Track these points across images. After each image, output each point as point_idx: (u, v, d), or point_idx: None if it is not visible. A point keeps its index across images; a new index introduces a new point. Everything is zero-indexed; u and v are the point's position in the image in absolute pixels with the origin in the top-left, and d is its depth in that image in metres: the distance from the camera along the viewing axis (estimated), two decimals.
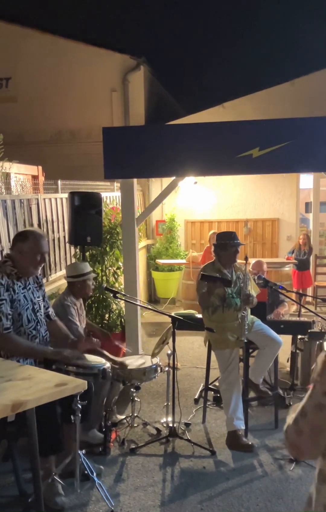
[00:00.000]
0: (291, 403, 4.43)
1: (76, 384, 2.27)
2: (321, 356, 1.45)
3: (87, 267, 4.18)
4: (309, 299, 8.25)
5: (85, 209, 5.04)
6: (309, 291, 8.58)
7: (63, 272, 4.89)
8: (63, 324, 3.49)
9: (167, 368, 4.08)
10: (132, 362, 4.06)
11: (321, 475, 1.45)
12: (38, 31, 9.34)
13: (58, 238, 5.97)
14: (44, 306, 3.25)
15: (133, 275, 5.37)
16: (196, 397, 4.71)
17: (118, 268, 5.80)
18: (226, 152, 4.68)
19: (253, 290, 4.22)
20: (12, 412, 2.06)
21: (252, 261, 5.47)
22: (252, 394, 4.19)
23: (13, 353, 2.96)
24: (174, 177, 5.42)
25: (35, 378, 2.31)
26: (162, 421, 4.19)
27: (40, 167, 6.68)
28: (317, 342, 4.35)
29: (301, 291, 7.73)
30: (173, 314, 4.02)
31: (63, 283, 4.53)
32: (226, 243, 4.14)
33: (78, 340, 3.39)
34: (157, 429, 4.07)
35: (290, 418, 1.49)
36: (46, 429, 2.70)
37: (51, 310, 3.37)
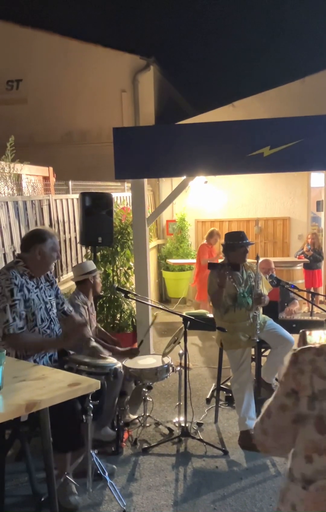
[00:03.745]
0: None
1: (90, 384, 2.28)
2: (288, 356, 1.47)
3: (92, 265, 4.21)
4: (321, 298, 8.20)
5: (96, 209, 5.06)
6: (321, 290, 8.52)
7: None
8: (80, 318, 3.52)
9: (178, 368, 4.07)
10: (144, 361, 4.07)
11: (290, 474, 1.46)
12: (48, 33, 9.39)
13: (70, 239, 6.00)
14: (59, 303, 3.27)
15: (144, 275, 5.38)
16: (208, 397, 4.70)
17: (129, 268, 5.81)
18: (237, 151, 4.66)
19: (265, 288, 4.21)
20: (26, 412, 2.07)
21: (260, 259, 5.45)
22: (264, 394, 4.18)
23: (28, 349, 3.00)
24: (184, 177, 5.42)
25: (49, 378, 2.32)
26: (174, 420, 4.19)
27: (51, 168, 6.71)
28: (301, 331, 4.03)
29: (312, 290, 7.68)
30: (184, 313, 4.02)
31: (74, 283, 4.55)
32: (235, 243, 4.13)
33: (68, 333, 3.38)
34: (169, 428, 4.07)
35: (260, 414, 1.52)
36: (65, 425, 2.72)
37: (66, 306, 3.38)
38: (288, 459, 1.48)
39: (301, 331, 3.73)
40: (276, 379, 4.30)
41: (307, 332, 3.47)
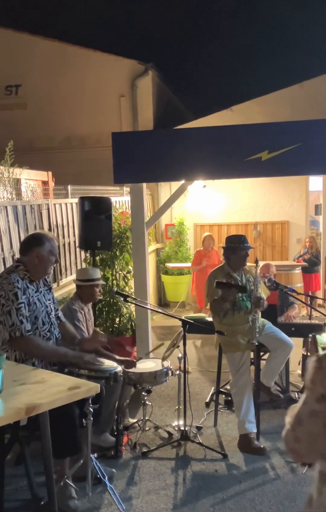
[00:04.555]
0: None
1: (89, 387, 2.29)
2: (311, 360, 1.45)
3: (96, 273, 4.21)
4: (319, 301, 8.20)
5: (95, 214, 5.08)
6: (320, 294, 8.53)
7: (74, 276, 4.93)
8: (71, 326, 3.53)
9: (177, 372, 4.08)
10: (143, 365, 4.07)
11: (322, 476, 1.46)
12: (47, 39, 9.43)
13: (69, 243, 6.01)
14: (54, 308, 3.28)
15: (143, 279, 5.39)
16: (207, 400, 4.71)
17: (129, 272, 5.82)
18: (235, 155, 4.69)
19: (263, 293, 4.22)
20: (26, 416, 2.08)
21: (261, 264, 5.46)
22: (263, 397, 4.18)
23: (35, 355, 3.01)
24: (183, 181, 5.44)
25: (49, 382, 2.32)
26: (173, 424, 4.19)
27: (50, 173, 6.73)
28: (310, 335, 4.13)
29: (310, 294, 7.69)
30: (183, 317, 4.03)
31: (74, 287, 4.56)
32: (236, 246, 4.14)
33: (83, 339, 3.41)
34: (169, 432, 4.07)
35: (288, 421, 1.49)
36: (63, 431, 2.72)
37: (60, 312, 3.40)
38: (317, 463, 1.48)
39: (310, 335, 3.81)
40: (276, 383, 4.31)
41: (317, 336, 3.49)
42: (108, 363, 3.47)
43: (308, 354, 4.78)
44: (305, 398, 1.44)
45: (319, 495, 1.46)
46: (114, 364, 3.50)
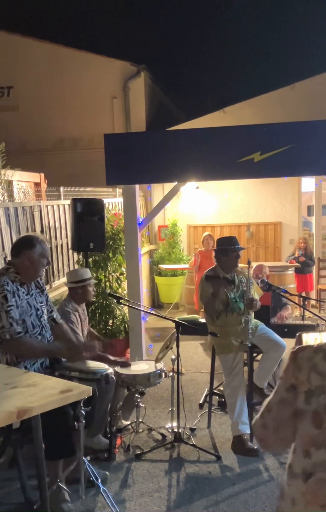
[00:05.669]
0: None
1: (81, 390, 2.27)
2: (288, 353, 1.53)
3: (87, 273, 4.20)
4: (313, 302, 8.22)
5: (87, 215, 5.07)
6: (313, 294, 8.55)
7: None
8: (68, 328, 3.51)
9: (171, 373, 4.08)
10: (137, 367, 4.06)
11: (290, 470, 1.50)
12: (39, 40, 9.43)
13: (61, 245, 5.99)
14: (48, 310, 3.26)
15: (137, 280, 5.38)
16: (201, 402, 4.70)
17: (122, 273, 5.81)
18: (227, 156, 4.69)
19: (256, 293, 4.23)
20: (17, 419, 2.06)
21: (254, 265, 5.47)
22: (257, 398, 4.19)
23: (29, 355, 3.00)
24: (175, 183, 5.44)
25: (40, 385, 2.31)
26: (167, 426, 4.18)
27: (42, 175, 6.72)
28: (297, 334, 4.22)
29: (304, 294, 7.71)
30: (176, 319, 4.02)
31: (66, 289, 4.55)
32: (226, 248, 4.15)
33: (78, 346, 3.35)
34: (162, 434, 4.07)
35: (261, 409, 1.55)
36: (57, 432, 2.71)
37: (55, 314, 3.39)
38: (289, 455, 1.53)
39: (297, 334, 3.82)
40: (269, 384, 4.31)
41: (303, 335, 3.51)
42: (98, 365, 3.46)
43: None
44: (277, 388, 1.50)
45: (289, 488, 1.50)
46: (105, 365, 3.50)
